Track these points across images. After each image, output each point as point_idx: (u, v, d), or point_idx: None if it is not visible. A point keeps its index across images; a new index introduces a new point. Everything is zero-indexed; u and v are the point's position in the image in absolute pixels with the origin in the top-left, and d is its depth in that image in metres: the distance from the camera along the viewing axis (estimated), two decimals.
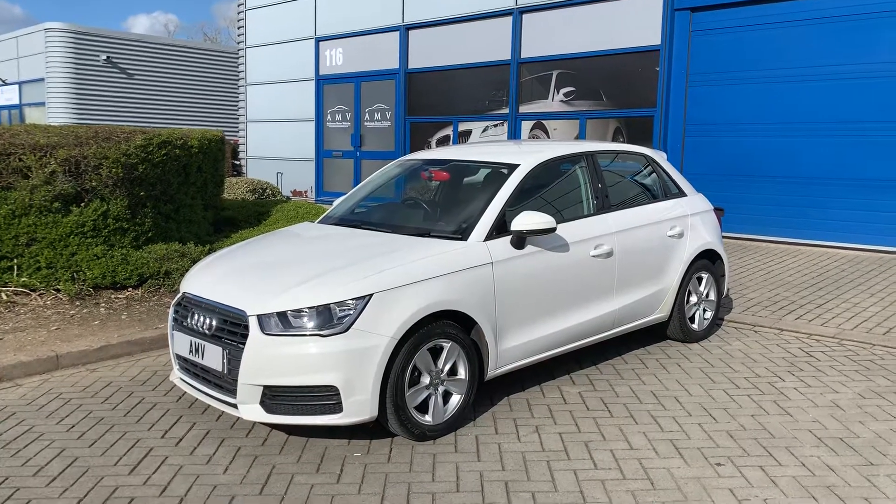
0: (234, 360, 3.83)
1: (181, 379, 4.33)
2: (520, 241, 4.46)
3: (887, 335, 5.93)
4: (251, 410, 3.82)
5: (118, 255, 7.03)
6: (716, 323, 6.33)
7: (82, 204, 7.03)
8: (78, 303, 6.61)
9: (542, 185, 4.92)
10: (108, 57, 24.10)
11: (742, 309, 6.76)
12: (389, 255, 4.12)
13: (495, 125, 12.87)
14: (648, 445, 3.99)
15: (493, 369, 4.40)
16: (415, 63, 14.10)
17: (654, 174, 5.79)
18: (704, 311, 5.95)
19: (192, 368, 4.19)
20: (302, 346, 3.72)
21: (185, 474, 3.68)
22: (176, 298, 4.39)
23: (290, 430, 4.20)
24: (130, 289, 7.01)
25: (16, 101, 27.99)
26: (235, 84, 20.35)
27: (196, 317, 4.11)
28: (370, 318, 3.78)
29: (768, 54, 9.97)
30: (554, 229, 4.43)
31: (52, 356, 5.24)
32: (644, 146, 6.12)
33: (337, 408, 3.75)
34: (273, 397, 3.79)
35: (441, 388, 4.11)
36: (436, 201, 5.24)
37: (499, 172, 4.82)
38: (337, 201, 5.56)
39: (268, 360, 3.75)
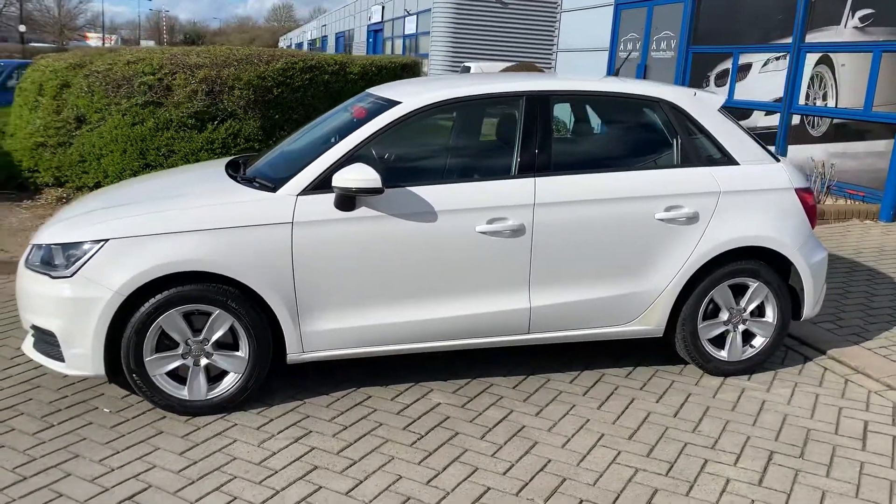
0: None
1: None
2: (345, 200, 3.49)
3: None
4: (27, 344, 3.74)
5: None
6: (779, 349, 4.29)
7: (216, 122, 7.54)
8: None
9: (433, 134, 3.75)
10: None
11: (864, 339, 4.43)
12: (169, 200, 3.58)
13: (777, 58, 10.26)
14: None
15: (298, 353, 3.60)
16: None
17: (671, 129, 3.97)
18: (749, 335, 4.05)
19: None
20: (37, 285, 3.49)
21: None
22: None
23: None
24: None
25: (414, 31, 31.09)
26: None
27: None
28: (99, 267, 3.36)
29: None
30: (378, 190, 3.36)
31: None
32: (679, 87, 4.18)
33: (61, 356, 3.47)
34: (34, 334, 3.65)
35: (204, 362, 3.51)
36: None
37: (376, 112, 3.79)
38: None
39: (21, 294, 3.62)
